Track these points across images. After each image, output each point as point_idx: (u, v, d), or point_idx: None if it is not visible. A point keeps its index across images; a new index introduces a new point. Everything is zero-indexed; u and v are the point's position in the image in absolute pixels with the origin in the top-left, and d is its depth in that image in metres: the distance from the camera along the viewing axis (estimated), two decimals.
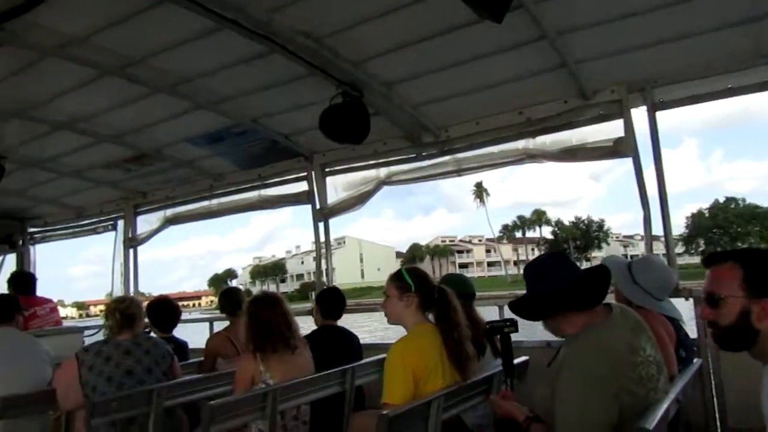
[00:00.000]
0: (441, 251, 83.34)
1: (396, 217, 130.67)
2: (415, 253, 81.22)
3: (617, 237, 79.98)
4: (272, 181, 5.51)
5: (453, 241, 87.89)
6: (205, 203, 5.98)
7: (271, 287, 70.99)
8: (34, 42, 3.40)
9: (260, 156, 5.25)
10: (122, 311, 3.40)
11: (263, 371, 2.99)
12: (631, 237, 76.29)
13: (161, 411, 3.21)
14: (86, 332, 5.81)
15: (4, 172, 5.14)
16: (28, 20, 3.13)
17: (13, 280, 5.77)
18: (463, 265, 79.29)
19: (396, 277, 2.70)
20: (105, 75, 3.79)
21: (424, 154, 4.76)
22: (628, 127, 3.83)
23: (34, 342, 3.83)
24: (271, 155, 5.24)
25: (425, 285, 2.66)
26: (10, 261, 7.21)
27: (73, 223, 7.14)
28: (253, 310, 3.13)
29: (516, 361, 2.64)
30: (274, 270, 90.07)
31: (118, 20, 3.23)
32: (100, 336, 5.70)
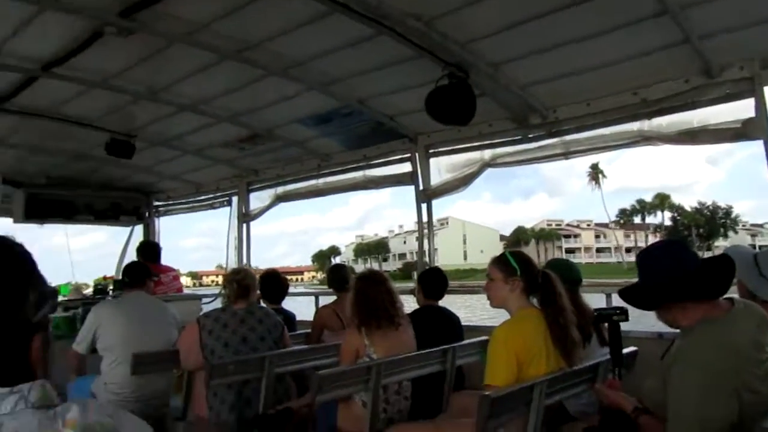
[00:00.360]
0: (546, 235, 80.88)
1: (494, 200, 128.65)
2: (519, 237, 79.32)
3: (744, 225, 73.60)
4: (377, 161, 5.60)
5: (560, 225, 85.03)
6: (313, 182, 6.19)
7: (374, 266, 72.20)
8: (163, 30, 3.65)
9: (366, 137, 5.36)
10: (239, 282, 3.65)
11: (367, 345, 3.10)
12: (760, 226, 70.14)
13: (273, 377, 3.43)
14: (203, 300, 6.27)
15: (135, 150, 5.62)
16: (157, 10, 3.37)
17: (141, 249, 6.34)
18: (569, 251, 76.34)
19: (500, 261, 2.68)
20: (224, 59, 4.01)
21: (530, 136, 4.63)
22: (760, 107, 3.52)
23: (164, 306, 4.19)
24: (376, 136, 5.33)
25: (530, 269, 2.63)
26: (138, 232, 7.88)
27: (192, 198, 7.68)
28: (360, 286, 3.25)
29: (624, 351, 2.56)
30: (377, 248, 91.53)
31: (238, 6, 3.40)
32: (217, 304, 6.13)
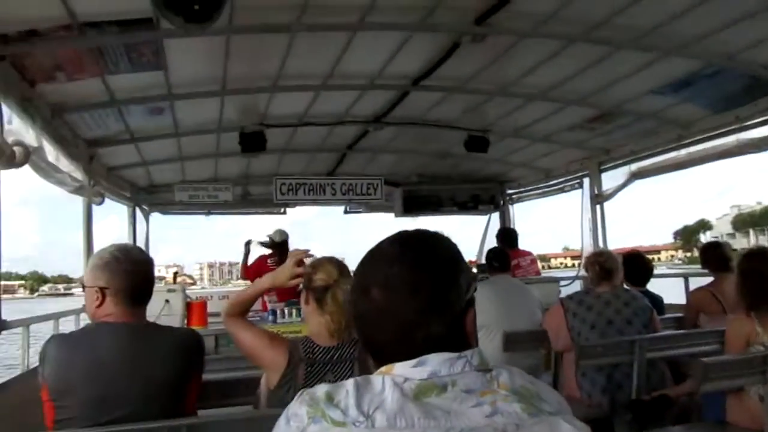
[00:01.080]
0: None
1: None
2: None
3: None
4: (754, 121, 4.83)
5: None
6: (672, 155, 5.68)
7: (762, 241, 60.59)
8: (512, 29, 3.86)
9: (737, 95, 4.67)
10: (601, 264, 3.63)
11: (760, 332, 2.74)
12: None
13: (644, 362, 3.32)
14: (561, 282, 6.39)
15: (489, 144, 6.07)
16: (508, 10, 3.56)
17: (500, 235, 6.81)
18: None
19: None
20: (571, 43, 4.01)
21: None
22: None
23: (527, 288, 4.44)
24: (751, 92, 4.60)
25: None
26: (494, 219, 8.46)
27: (543, 183, 7.88)
28: (750, 265, 2.88)
29: None
30: (763, 219, 76.74)
31: None
32: (575, 287, 6.19)
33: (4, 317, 3.34)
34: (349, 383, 0.93)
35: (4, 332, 3.36)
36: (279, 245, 6.59)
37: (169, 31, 3.33)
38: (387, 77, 4.73)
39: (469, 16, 3.67)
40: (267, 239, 6.68)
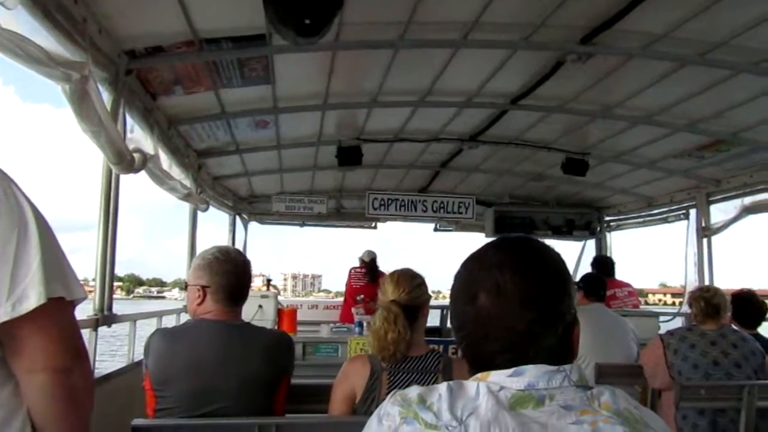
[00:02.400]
0: None
1: None
2: None
3: None
4: None
5: None
6: None
7: None
8: (620, 48, 3.73)
9: None
10: (707, 300, 3.39)
11: None
12: None
13: (754, 409, 3.05)
14: (661, 318, 6.02)
15: (588, 167, 5.86)
16: (616, 29, 3.44)
17: (595, 263, 6.53)
18: None
19: None
20: (684, 65, 3.81)
21: None
22: None
23: (623, 320, 4.22)
24: None
25: None
26: (590, 246, 8.14)
27: (645, 212, 7.50)
28: None
29: None
30: None
31: (697, 11, 3.20)
32: (676, 323, 5.81)
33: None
34: (443, 387, 0.92)
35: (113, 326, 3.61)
36: (369, 264, 7.25)
37: (280, 47, 3.51)
38: (485, 95, 4.70)
39: (575, 34, 3.59)
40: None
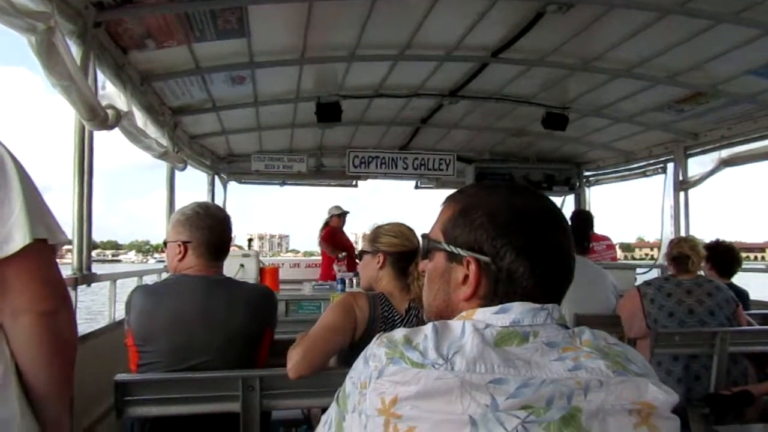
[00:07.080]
0: None
1: None
2: None
3: None
4: None
5: None
6: None
7: None
8: None
9: None
10: (683, 250, 3.47)
11: None
12: None
13: (726, 355, 3.15)
14: (638, 270, 6.14)
15: (568, 121, 5.85)
16: None
17: (575, 218, 6.57)
18: None
19: None
20: (665, 16, 3.77)
21: None
22: None
23: (604, 273, 4.28)
24: None
25: None
26: (569, 201, 8.21)
27: (623, 166, 7.56)
28: None
29: None
30: None
31: None
32: (653, 275, 5.93)
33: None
34: (428, 327, 0.93)
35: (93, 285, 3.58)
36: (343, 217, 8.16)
37: None
38: (465, 48, 4.62)
39: None
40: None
